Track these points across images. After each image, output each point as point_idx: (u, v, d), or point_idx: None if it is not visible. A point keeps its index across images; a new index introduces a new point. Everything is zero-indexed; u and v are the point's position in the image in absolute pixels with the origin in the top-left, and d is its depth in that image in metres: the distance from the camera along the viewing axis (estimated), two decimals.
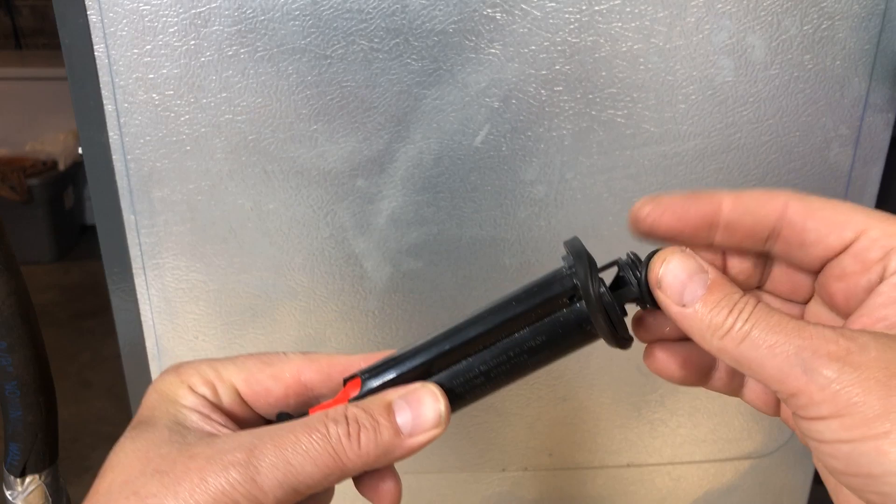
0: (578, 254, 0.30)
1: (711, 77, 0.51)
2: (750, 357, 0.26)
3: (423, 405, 0.29)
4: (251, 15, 0.48)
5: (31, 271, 2.72)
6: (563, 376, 0.60)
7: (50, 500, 0.49)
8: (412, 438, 0.29)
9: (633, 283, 0.30)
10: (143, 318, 0.57)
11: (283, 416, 0.33)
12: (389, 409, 0.29)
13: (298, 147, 0.52)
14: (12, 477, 0.49)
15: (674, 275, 0.28)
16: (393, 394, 0.30)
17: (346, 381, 0.32)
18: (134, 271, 0.56)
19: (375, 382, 0.31)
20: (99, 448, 1.85)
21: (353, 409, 0.29)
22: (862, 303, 0.28)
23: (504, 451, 0.63)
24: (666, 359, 0.32)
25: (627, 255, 0.31)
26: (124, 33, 0.48)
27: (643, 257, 0.30)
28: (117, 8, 0.48)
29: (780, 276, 0.32)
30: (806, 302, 0.33)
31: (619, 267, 0.31)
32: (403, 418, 0.29)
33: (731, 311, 0.27)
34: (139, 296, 0.56)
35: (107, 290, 0.57)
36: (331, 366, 0.33)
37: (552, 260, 0.55)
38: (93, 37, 0.48)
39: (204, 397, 0.32)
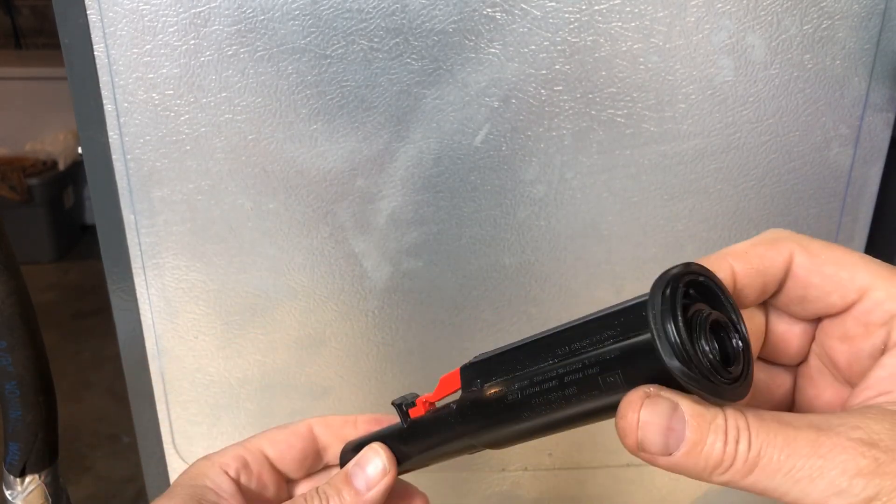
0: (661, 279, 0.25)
1: (711, 77, 0.51)
2: (766, 486, 0.24)
3: (370, 463, 0.35)
4: (251, 14, 0.48)
5: (31, 271, 2.72)
6: None
7: (50, 499, 0.49)
8: (370, 492, 0.34)
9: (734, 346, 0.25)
10: (142, 318, 0.57)
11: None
12: (347, 477, 0.35)
13: (298, 147, 0.52)
14: (12, 476, 0.49)
15: (652, 429, 0.25)
16: (350, 463, 0.36)
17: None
18: (134, 271, 0.56)
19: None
20: (99, 448, 1.85)
21: (322, 486, 0.35)
22: (866, 370, 0.27)
23: (504, 451, 0.63)
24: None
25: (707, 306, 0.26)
26: (124, 33, 0.48)
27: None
28: (117, 8, 0.48)
29: (772, 335, 0.30)
30: (796, 364, 0.31)
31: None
32: (359, 481, 0.35)
33: (725, 442, 0.24)
34: (139, 295, 0.56)
35: (107, 290, 0.57)
36: (342, 427, 0.39)
37: (552, 260, 0.55)
38: (92, 36, 0.48)
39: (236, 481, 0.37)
